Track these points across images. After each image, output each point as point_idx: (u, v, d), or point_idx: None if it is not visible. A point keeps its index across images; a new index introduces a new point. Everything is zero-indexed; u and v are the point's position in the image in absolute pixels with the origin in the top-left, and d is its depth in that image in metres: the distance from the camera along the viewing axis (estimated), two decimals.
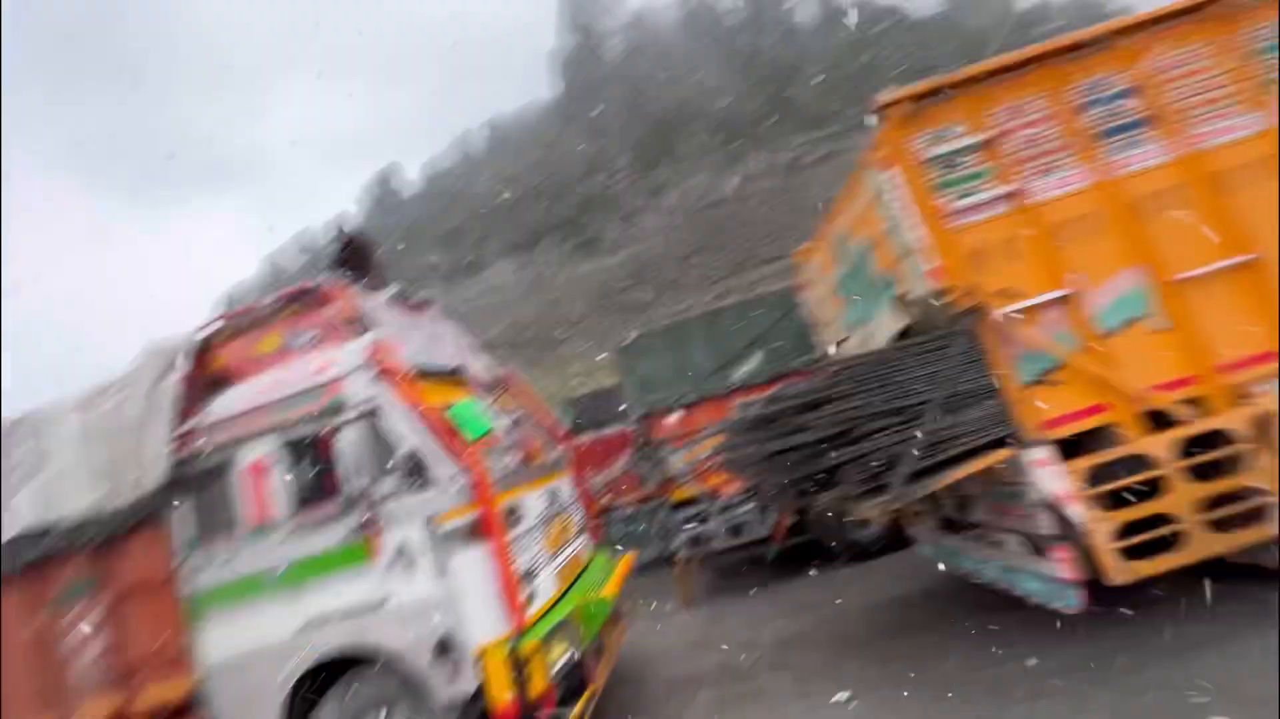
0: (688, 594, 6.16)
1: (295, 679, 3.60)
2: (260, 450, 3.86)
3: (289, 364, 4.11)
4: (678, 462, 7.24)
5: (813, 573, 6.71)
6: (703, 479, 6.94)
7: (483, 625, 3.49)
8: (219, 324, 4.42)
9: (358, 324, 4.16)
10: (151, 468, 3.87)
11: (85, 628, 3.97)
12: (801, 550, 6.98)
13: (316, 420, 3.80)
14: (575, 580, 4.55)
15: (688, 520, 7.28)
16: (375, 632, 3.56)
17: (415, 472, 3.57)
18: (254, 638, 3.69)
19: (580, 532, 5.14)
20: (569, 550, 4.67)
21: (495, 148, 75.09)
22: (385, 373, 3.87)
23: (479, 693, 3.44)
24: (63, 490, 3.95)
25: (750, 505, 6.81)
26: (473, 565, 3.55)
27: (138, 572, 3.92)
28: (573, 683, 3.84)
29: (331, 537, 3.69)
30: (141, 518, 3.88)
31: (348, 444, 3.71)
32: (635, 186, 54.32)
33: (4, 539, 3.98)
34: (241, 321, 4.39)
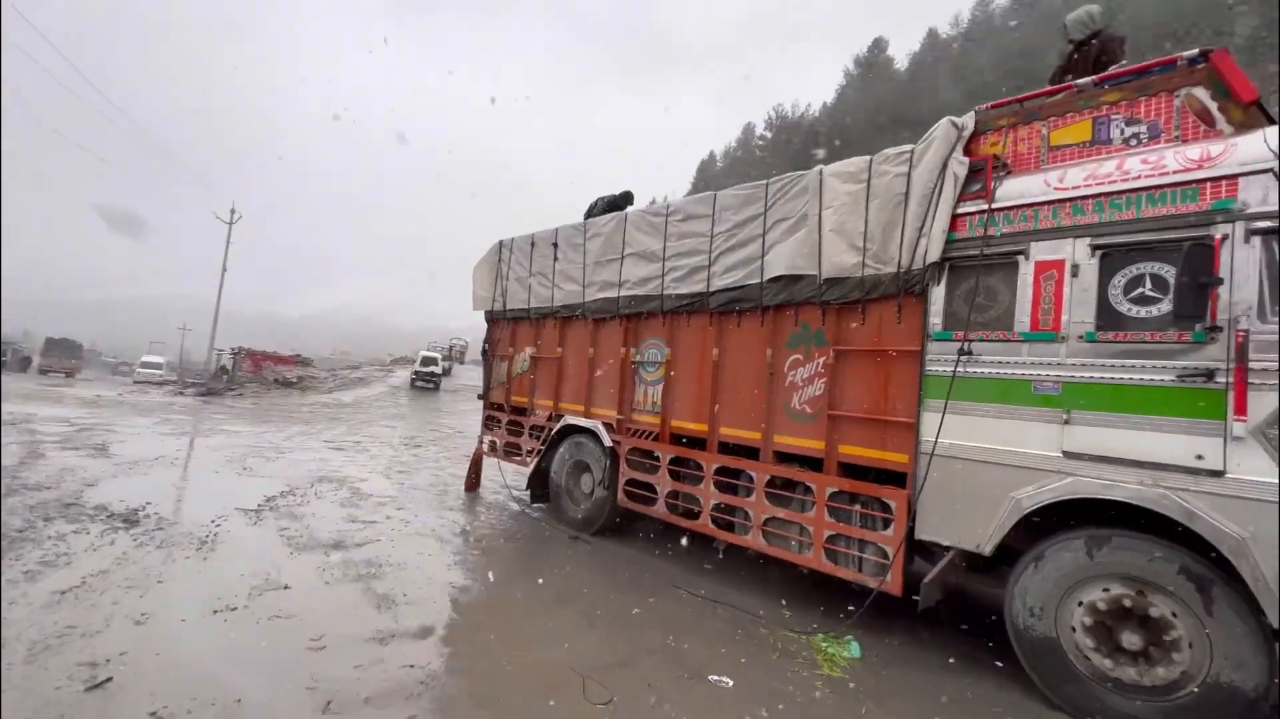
0: None
1: (1038, 505, 3.25)
2: (1067, 248, 3.31)
3: (1112, 156, 3.32)
4: None
5: None
6: None
7: None
8: (999, 109, 3.91)
9: (1244, 116, 3.02)
10: (928, 243, 3.79)
11: (803, 371, 4.50)
12: None
13: (1175, 225, 2.97)
14: None
15: None
16: (1193, 501, 2.81)
17: None
18: (994, 441, 3.44)
19: None
20: None
21: None
22: None
23: None
24: (824, 247, 4.29)
25: None
26: None
27: (877, 338, 4.09)
28: None
29: (1156, 370, 2.97)
30: (900, 289, 3.93)
31: (1224, 261, 2.78)
32: None
33: (765, 278, 4.69)
34: (1031, 108, 3.77)
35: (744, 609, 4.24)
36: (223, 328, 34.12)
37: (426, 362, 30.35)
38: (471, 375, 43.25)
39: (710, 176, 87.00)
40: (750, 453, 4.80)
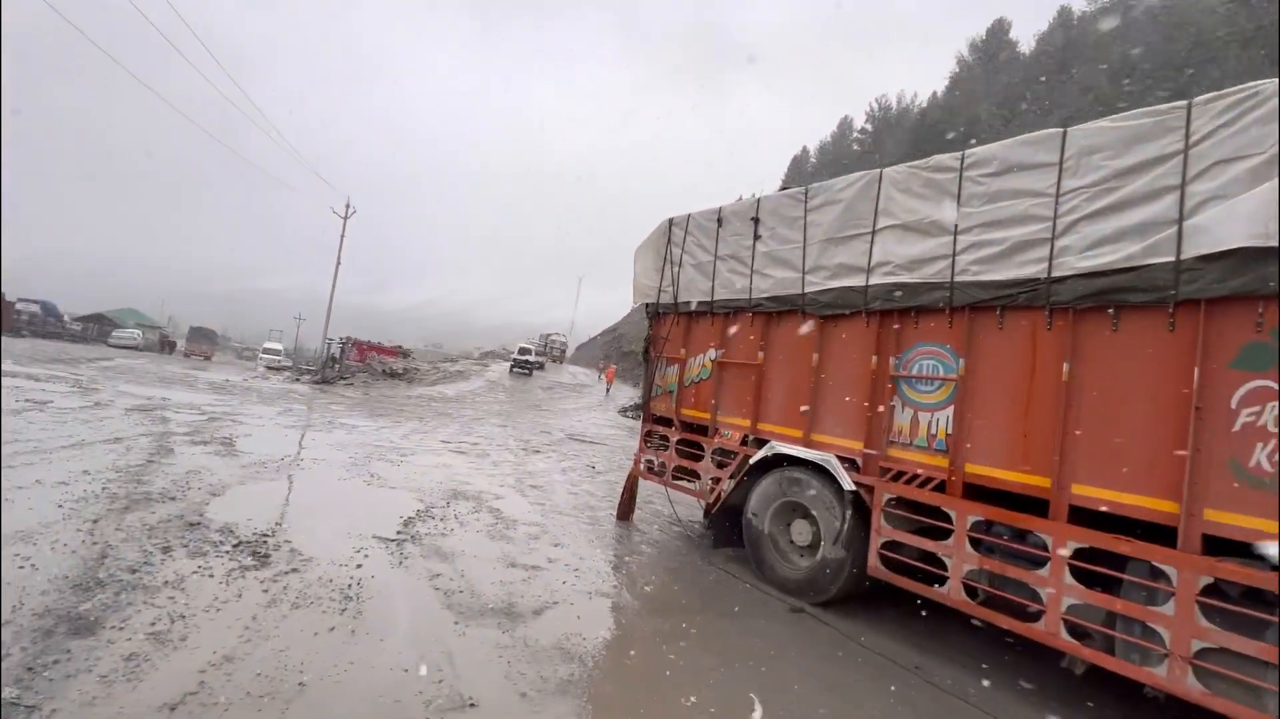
0: None
1: None
2: None
3: None
4: None
5: None
6: None
7: None
8: None
9: None
10: None
11: (1274, 409, 2.71)
12: None
13: None
14: None
15: None
16: None
17: None
18: None
19: None
20: None
21: None
22: None
23: None
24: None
25: None
26: None
27: None
28: None
29: None
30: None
31: None
32: None
33: (1189, 254, 2.94)
34: None
35: None
36: (333, 318, 35.57)
37: (523, 352, 38.28)
38: (563, 375, 43.04)
39: (803, 172, 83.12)
40: (1123, 524, 3.08)
